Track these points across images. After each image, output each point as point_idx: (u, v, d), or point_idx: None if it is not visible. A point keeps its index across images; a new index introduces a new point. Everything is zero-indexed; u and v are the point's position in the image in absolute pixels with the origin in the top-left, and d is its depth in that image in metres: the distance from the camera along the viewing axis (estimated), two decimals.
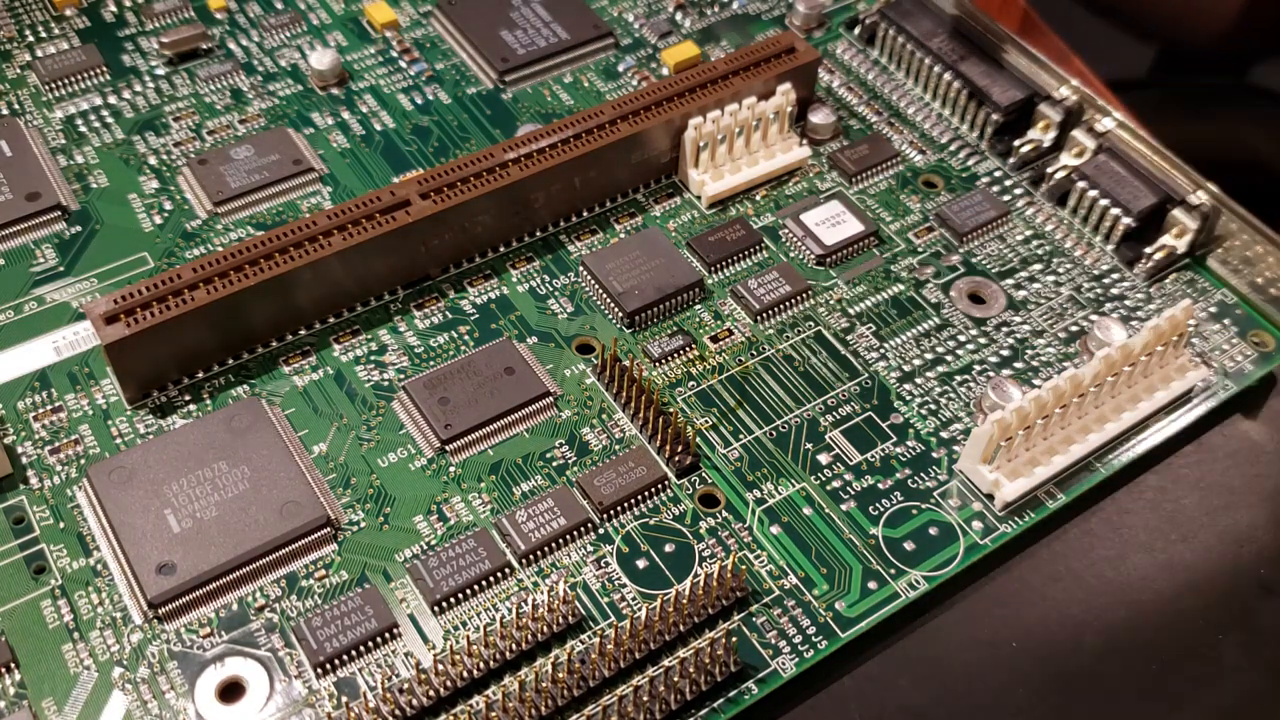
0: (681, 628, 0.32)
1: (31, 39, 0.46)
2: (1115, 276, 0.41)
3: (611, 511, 0.34)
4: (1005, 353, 0.39)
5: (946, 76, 0.45)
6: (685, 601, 0.32)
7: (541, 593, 0.32)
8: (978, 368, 0.38)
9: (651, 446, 0.36)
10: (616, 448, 0.36)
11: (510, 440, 0.36)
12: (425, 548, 0.34)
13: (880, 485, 0.35)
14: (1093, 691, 0.33)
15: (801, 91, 0.44)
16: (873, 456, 0.36)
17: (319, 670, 0.31)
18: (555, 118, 0.45)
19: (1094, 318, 0.39)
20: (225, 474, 0.34)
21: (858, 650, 0.33)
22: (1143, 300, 0.40)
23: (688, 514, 0.35)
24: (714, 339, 0.39)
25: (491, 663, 0.31)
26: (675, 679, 0.31)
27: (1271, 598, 0.35)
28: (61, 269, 0.39)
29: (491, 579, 0.33)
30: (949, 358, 0.38)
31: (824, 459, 0.36)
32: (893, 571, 0.34)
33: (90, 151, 0.43)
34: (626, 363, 0.37)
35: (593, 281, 0.39)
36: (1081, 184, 0.42)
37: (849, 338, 0.39)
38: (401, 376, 0.37)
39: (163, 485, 0.34)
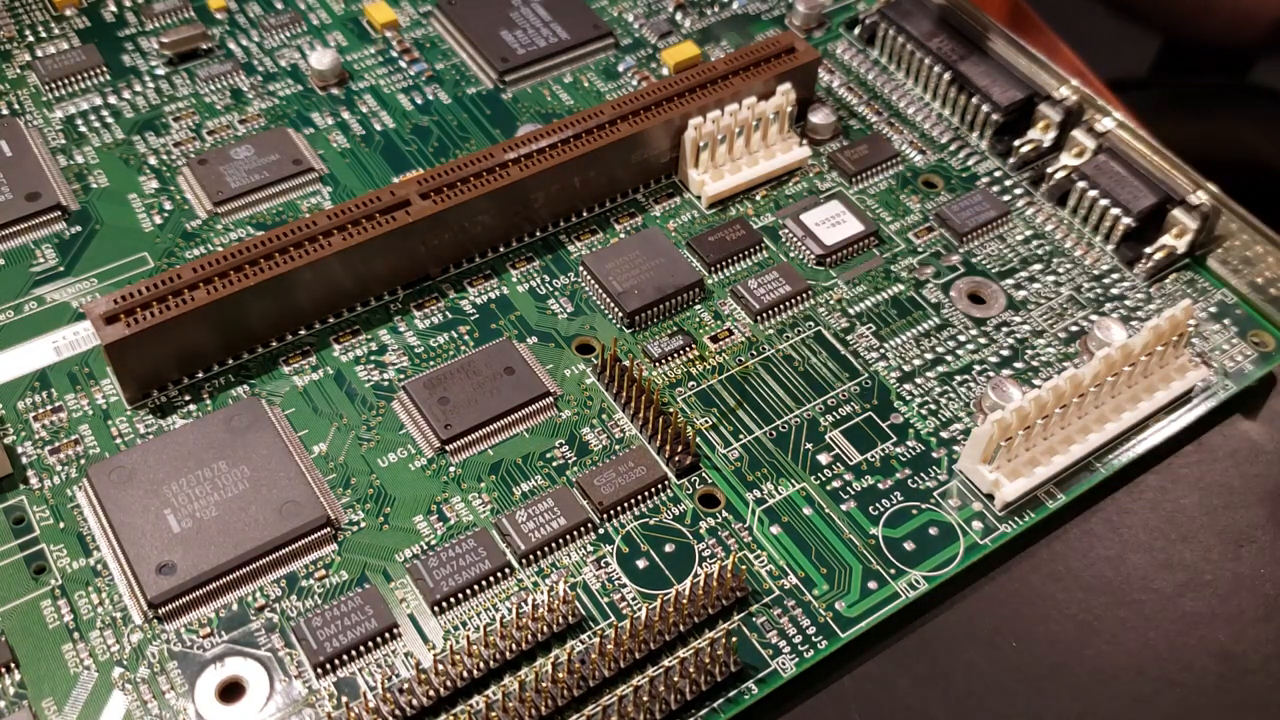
0: (681, 628, 0.32)
1: (31, 39, 0.46)
2: (1115, 276, 0.41)
3: (611, 511, 0.34)
4: (1005, 353, 0.39)
5: (946, 76, 0.45)
6: (685, 601, 0.32)
7: (541, 593, 0.32)
8: (978, 368, 0.38)
9: (651, 446, 0.36)
10: (616, 448, 0.36)
11: (510, 440, 0.36)
12: (425, 548, 0.34)
13: (880, 485, 0.35)
14: (1093, 691, 0.33)
15: (801, 91, 0.44)
16: (873, 456, 0.36)
17: (319, 670, 0.31)
18: (555, 118, 0.45)
19: (1094, 318, 0.39)
20: (225, 474, 0.34)
21: (858, 650, 0.33)
22: (1143, 300, 0.40)
23: (688, 514, 0.35)
24: (714, 339, 0.39)
25: (491, 663, 0.31)
26: (675, 679, 0.31)
27: (1271, 598, 0.35)
28: (61, 269, 0.39)
29: (491, 579, 0.33)
30: (949, 358, 0.38)
31: (824, 459, 0.36)
32: (893, 571, 0.34)
33: (90, 151, 0.43)
34: (626, 363, 0.37)
35: (593, 281, 0.39)
36: (1081, 184, 0.42)
37: (849, 338, 0.39)
38: (401, 376, 0.37)
39: (163, 485, 0.34)
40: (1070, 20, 0.62)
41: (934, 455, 0.36)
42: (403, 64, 0.46)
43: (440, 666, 0.30)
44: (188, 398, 0.36)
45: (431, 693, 0.30)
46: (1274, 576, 0.35)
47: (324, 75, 0.45)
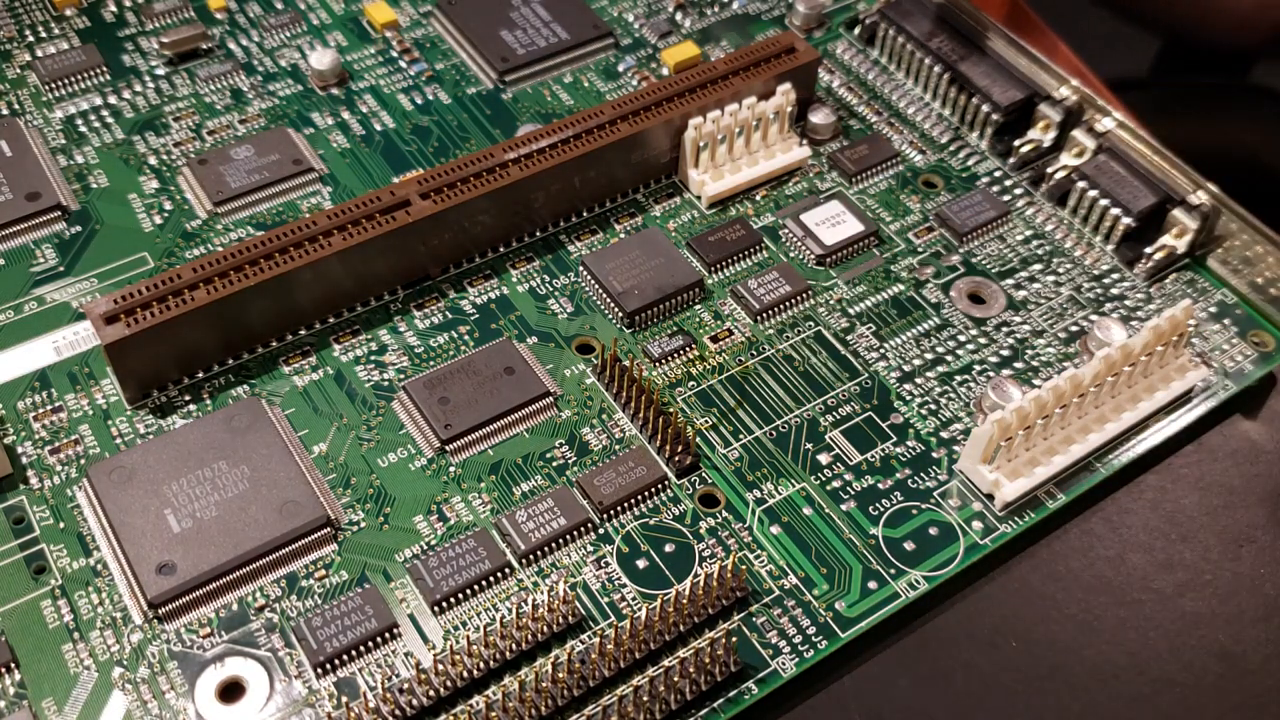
0: (681, 628, 0.32)
1: (31, 39, 0.46)
2: (1115, 276, 0.41)
3: (611, 511, 0.34)
4: (1005, 353, 0.39)
5: (946, 76, 0.45)
6: (685, 601, 0.32)
7: (541, 593, 0.32)
8: (978, 368, 0.38)
9: (651, 446, 0.36)
10: (616, 448, 0.36)
11: (510, 440, 0.36)
12: (425, 548, 0.34)
13: (880, 485, 0.35)
14: (1093, 691, 0.33)
15: (801, 91, 0.44)
16: (873, 456, 0.36)
17: (319, 670, 0.31)
18: (555, 118, 0.45)
19: (1094, 318, 0.39)
20: (225, 474, 0.34)
21: (858, 650, 0.33)
22: (1143, 300, 0.40)
23: (688, 514, 0.35)
24: (714, 339, 0.39)
25: (491, 663, 0.31)
26: (675, 679, 0.31)
27: (1272, 598, 0.35)
28: (61, 269, 0.39)
29: (491, 579, 0.33)
30: (949, 358, 0.38)
31: (824, 459, 0.36)
32: (893, 571, 0.34)
33: (90, 151, 0.43)
34: (626, 363, 0.37)
35: (593, 281, 0.39)
36: (1081, 184, 0.42)
37: (849, 338, 0.39)
38: (401, 376, 0.37)
39: (163, 485, 0.34)
40: (1070, 20, 0.62)
41: (934, 455, 0.36)
42: (403, 64, 0.46)
43: (440, 666, 0.30)
44: (188, 398, 0.36)
45: (431, 693, 0.30)
46: (1274, 576, 0.35)
47: (324, 75, 0.45)
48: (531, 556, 0.33)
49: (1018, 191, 0.43)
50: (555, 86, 0.46)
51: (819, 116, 0.44)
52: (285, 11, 0.48)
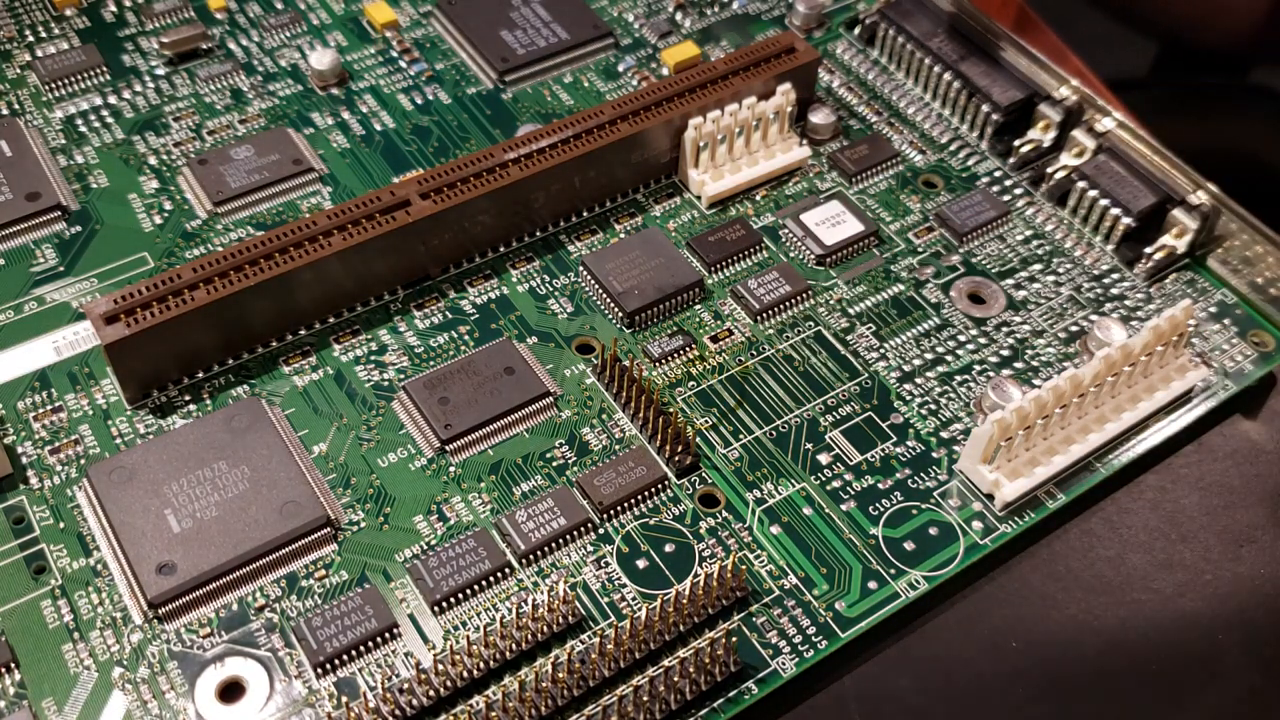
0: (681, 628, 0.32)
1: (31, 39, 0.46)
2: (1115, 276, 0.41)
3: (611, 511, 0.34)
4: (1005, 353, 0.39)
5: (946, 76, 0.45)
6: (685, 601, 0.32)
7: (541, 593, 0.32)
8: (978, 368, 0.38)
9: (651, 446, 0.36)
10: (616, 448, 0.36)
11: (510, 440, 0.36)
12: (425, 548, 0.34)
13: (880, 485, 0.35)
14: (1093, 691, 0.33)
15: (801, 91, 0.44)
16: (873, 456, 0.36)
17: (319, 670, 0.31)
18: (555, 118, 0.45)
19: (1094, 318, 0.39)
20: (225, 474, 0.34)
21: (858, 650, 0.33)
22: (1143, 300, 0.40)
23: (688, 514, 0.35)
24: (714, 339, 0.39)
25: (491, 663, 0.31)
26: (675, 679, 0.31)
27: (1271, 598, 0.35)
28: (61, 269, 0.39)
29: (491, 579, 0.33)
30: (949, 358, 0.38)
31: (824, 459, 0.36)
32: (893, 571, 0.34)
33: (90, 151, 0.43)
34: (626, 363, 0.37)
35: (593, 281, 0.39)
36: (1081, 184, 0.42)
37: (849, 338, 0.39)
38: (401, 376, 0.37)
39: (163, 485, 0.34)
40: (1070, 21, 0.62)
41: (934, 455, 0.36)
42: (403, 64, 0.46)
43: (440, 666, 0.30)
44: (188, 398, 0.36)
45: (431, 693, 0.30)
46: (1274, 576, 0.35)
47: (324, 75, 0.45)
48: (531, 556, 0.33)
49: (1018, 191, 0.43)
50: (555, 86, 0.46)
51: (819, 116, 0.44)
52: (285, 11, 0.48)
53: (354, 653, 0.31)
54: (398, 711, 0.30)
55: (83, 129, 0.43)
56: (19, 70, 0.45)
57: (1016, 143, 0.44)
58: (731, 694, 0.31)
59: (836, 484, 0.35)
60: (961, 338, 0.39)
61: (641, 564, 0.34)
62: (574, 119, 0.41)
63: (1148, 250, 0.41)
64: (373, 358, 0.38)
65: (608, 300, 0.39)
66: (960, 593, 0.34)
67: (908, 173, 0.44)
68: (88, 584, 0.33)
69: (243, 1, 0.48)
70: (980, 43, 0.46)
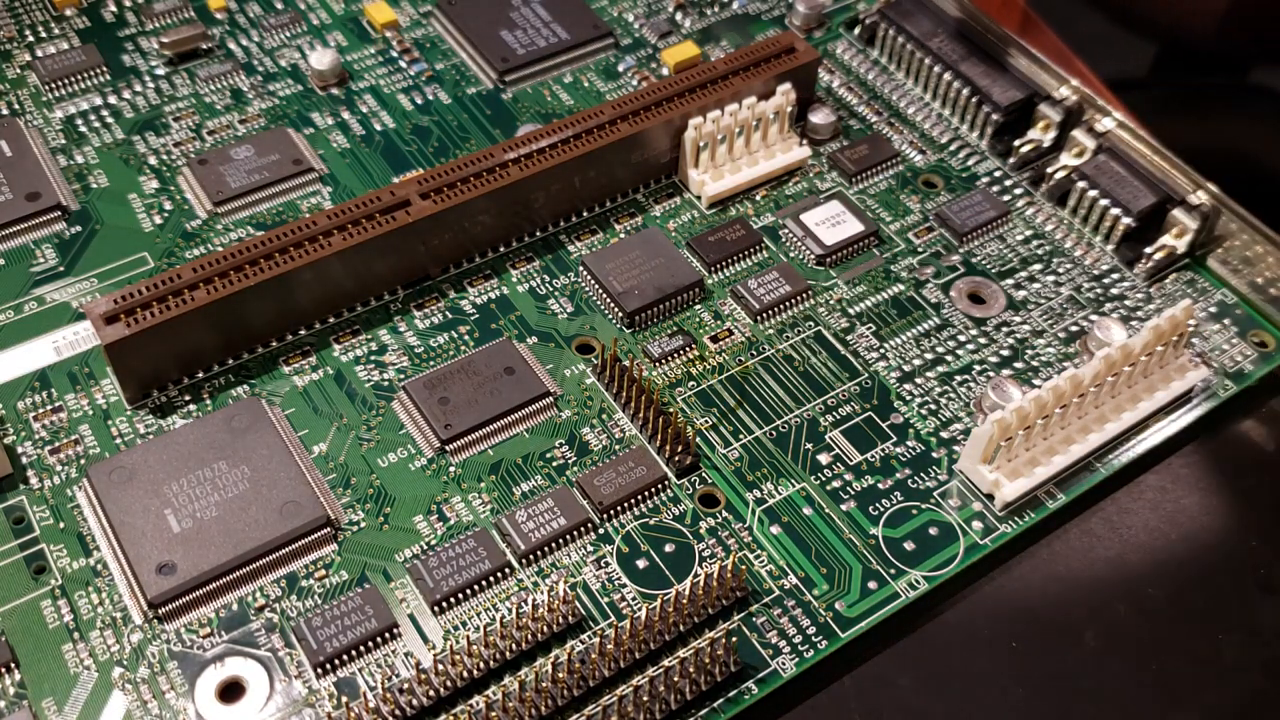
0: (681, 628, 0.32)
1: (31, 39, 0.46)
2: (1115, 276, 0.41)
3: (611, 511, 0.34)
4: (1005, 353, 0.39)
5: (946, 76, 0.45)
6: (685, 601, 0.32)
7: (541, 593, 0.32)
8: (978, 368, 0.38)
9: (651, 446, 0.36)
10: (616, 448, 0.36)
11: (510, 440, 0.36)
12: (425, 548, 0.34)
13: (880, 485, 0.35)
14: (1093, 691, 0.33)
15: (801, 91, 0.44)
16: (873, 456, 0.36)
17: (319, 670, 0.31)
18: (555, 118, 0.45)
19: (1094, 318, 0.39)
20: (225, 474, 0.34)
21: (858, 650, 0.33)
22: (1143, 300, 0.40)
23: (688, 514, 0.35)
24: (714, 339, 0.39)
25: (491, 663, 0.31)
26: (675, 679, 0.31)
27: (1271, 598, 0.35)
28: (61, 269, 0.39)
29: (491, 579, 0.33)
30: (949, 358, 0.38)
31: (824, 459, 0.36)
32: (893, 571, 0.34)
33: (90, 151, 0.43)
34: (626, 363, 0.37)
35: (593, 281, 0.39)
36: (1081, 184, 0.42)
37: (849, 338, 0.39)
38: (401, 376, 0.37)
39: (163, 485, 0.34)
40: (1070, 20, 0.62)
41: (934, 455, 0.36)
42: (403, 64, 0.46)
43: (440, 666, 0.30)
44: (188, 398, 0.36)
45: (431, 693, 0.30)
46: (1274, 577, 0.35)
47: (324, 75, 0.45)
48: (531, 556, 0.33)
49: (1018, 191, 0.43)
50: (555, 86, 0.46)
51: (819, 116, 0.44)
52: (285, 11, 0.48)
53: (354, 653, 0.31)
54: (398, 711, 0.30)
55: (83, 129, 0.43)
56: (19, 70, 0.45)
57: (1016, 143, 0.44)
58: (731, 694, 0.31)
59: (836, 484, 0.35)
60: (961, 338, 0.39)
61: (641, 564, 0.34)
62: (574, 119, 0.41)
63: (1148, 250, 0.41)
64: (373, 358, 0.38)
65: (608, 300, 0.39)
66: (960, 593, 0.34)
67: (908, 173, 0.44)
68: (88, 584, 0.33)
69: (243, 1, 0.48)
70: (980, 43, 0.46)
